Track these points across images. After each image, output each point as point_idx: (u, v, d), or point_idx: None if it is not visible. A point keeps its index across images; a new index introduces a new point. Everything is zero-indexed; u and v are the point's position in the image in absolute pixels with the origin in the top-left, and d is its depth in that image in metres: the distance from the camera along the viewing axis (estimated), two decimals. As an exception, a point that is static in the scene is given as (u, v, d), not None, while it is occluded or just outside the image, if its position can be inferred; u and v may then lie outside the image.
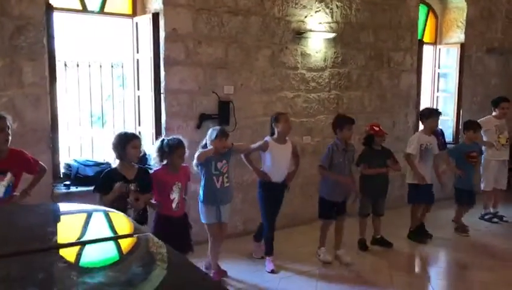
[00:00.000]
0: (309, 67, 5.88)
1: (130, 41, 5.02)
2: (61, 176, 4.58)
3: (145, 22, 4.84)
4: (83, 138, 5.29)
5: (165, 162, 3.83)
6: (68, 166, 4.70)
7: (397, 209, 5.98)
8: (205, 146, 4.18)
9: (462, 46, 7.50)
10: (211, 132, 4.16)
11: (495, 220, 6.21)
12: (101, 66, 5.07)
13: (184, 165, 3.94)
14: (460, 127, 7.65)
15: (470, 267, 4.83)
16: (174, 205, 3.79)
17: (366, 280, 4.39)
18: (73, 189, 4.46)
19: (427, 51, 7.65)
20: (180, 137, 3.89)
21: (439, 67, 7.78)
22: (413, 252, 5.25)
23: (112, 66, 5.17)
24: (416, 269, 4.90)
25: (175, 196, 3.80)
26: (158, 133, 4.89)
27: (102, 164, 4.78)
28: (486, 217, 6.22)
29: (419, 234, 5.45)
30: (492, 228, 6.03)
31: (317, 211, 4.82)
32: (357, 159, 4.99)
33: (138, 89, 5.06)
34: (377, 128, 5.06)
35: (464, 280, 4.55)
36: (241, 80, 5.33)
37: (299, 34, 5.67)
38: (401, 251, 5.20)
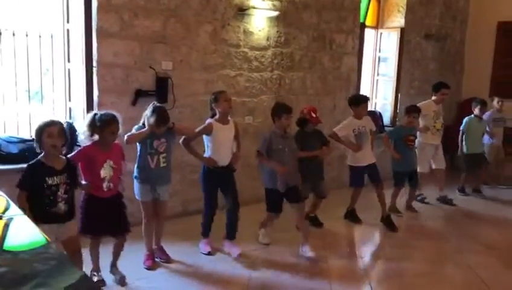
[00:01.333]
0: (252, 45, 5.75)
1: (59, 9, 4.66)
2: (-20, 153, 4.21)
3: (76, -11, 4.51)
4: (20, 115, 4.86)
5: (95, 137, 3.57)
6: (-11, 142, 4.34)
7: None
8: (142, 126, 3.94)
9: (402, 30, 7.65)
10: (149, 109, 3.92)
11: (426, 201, 6.43)
12: (40, 36, 4.68)
13: (116, 142, 3.70)
14: (398, 110, 7.86)
15: (399, 246, 4.96)
16: (104, 185, 3.54)
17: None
18: (-6, 167, 4.12)
19: (369, 34, 7.75)
20: (114, 112, 3.63)
21: (379, 51, 7.91)
22: (346, 232, 5.33)
23: (52, 37, 4.78)
24: (348, 249, 4.96)
25: (106, 174, 3.55)
26: (90, 109, 4.59)
27: (28, 140, 4.44)
28: (418, 198, 6.43)
29: (354, 215, 5.56)
30: (427, 209, 6.24)
31: (259, 193, 4.71)
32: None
33: (69, 62, 4.73)
34: (314, 115, 4.95)
35: (394, 260, 4.67)
36: (181, 56, 5.13)
37: (242, 11, 5.52)
38: (335, 230, 5.27)
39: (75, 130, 4.54)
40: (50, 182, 3.14)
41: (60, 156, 3.26)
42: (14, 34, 4.58)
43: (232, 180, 4.45)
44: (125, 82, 4.74)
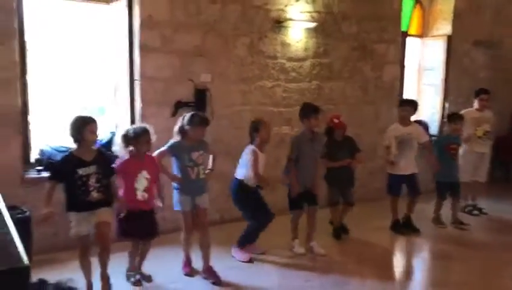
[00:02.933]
0: (289, 56, 5.85)
1: (106, 27, 5.00)
2: (33, 161, 4.56)
3: (120, 8, 4.82)
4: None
5: (130, 148, 3.77)
6: (41, 151, 4.69)
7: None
8: (181, 129, 4.03)
9: (449, 38, 7.46)
10: (190, 117, 4.02)
11: (475, 212, 6.19)
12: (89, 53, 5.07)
13: (149, 154, 3.87)
14: (444, 119, 7.63)
15: (444, 258, 4.82)
16: (139, 195, 3.72)
17: (335, 269, 4.39)
18: (44, 174, 4.45)
19: (414, 43, 7.63)
20: (146, 125, 3.85)
21: (425, 60, 7.74)
22: (386, 243, 5.23)
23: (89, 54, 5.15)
24: (389, 260, 4.88)
25: (140, 185, 3.73)
26: (133, 120, 4.89)
27: (76, 149, 4.77)
28: (466, 209, 6.20)
29: (401, 226, 5.43)
30: (471, 220, 6.00)
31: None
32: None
33: (115, 76, 5.04)
34: (336, 121, 4.98)
35: (437, 270, 4.55)
36: (219, 69, 5.32)
37: (279, 23, 5.65)
38: (375, 241, 5.19)
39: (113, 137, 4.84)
40: (81, 172, 3.39)
41: (92, 147, 3.52)
42: (65, 52, 4.97)
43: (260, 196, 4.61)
44: (165, 94, 4.98)
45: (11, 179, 4.15)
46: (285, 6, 5.70)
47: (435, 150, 5.66)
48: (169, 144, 4.04)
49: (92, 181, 3.44)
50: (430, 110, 7.81)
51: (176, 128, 4.06)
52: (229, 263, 4.38)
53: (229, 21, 5.31)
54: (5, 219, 1.64)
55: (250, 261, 4.46)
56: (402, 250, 5.22)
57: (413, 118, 7.66)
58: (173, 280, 4.02)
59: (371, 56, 6.60)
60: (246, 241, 4.56)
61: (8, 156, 4.22)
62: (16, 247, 1.40)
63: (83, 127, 3.39)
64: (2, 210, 1.73)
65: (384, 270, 4.47)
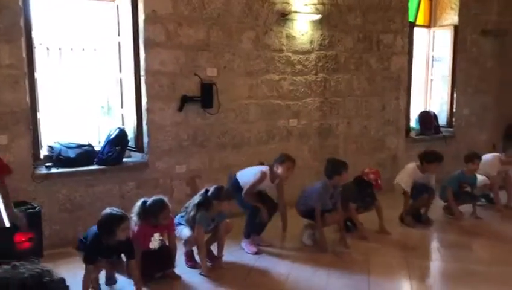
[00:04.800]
0: (295, 49, 5.84)
1: (111, 24, 5.04)
2: (42, 157, 4.62)
3: (125, 4, 4.85)
4: (92, 126, 5.33)
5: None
6: (51, 148, 4.75)
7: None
8: (204, 203, 4.00)
9: (456, 28, 7.40)
10: (216, 191, 4.02)
11: (480, 202, 6.13)
12: (94, 50, 5.12)
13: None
14: (454, 110, 7.59)
15: (453, 247, 4.81)
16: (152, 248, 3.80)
17: (344, 259, 4.40)
18: (54, 170, 4.51)
19: (421, 33, 7.57)
20: (161, 197, 3.82)
21: (433, 50, 7.69)
22: (396, 233, 5.21)
23: (95, 50, 5.20)
24: (394, 250, 4.86)
25: (154, 246, 3.78)
26: (139, 115, 4.93)
27: (85, 145, 4.83)
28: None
29: (412, 218, 5.39)
30: (482, 210, 5.96)
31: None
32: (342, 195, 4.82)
33: (120, 72, 5.08)
34: (379, 182, 4.95)
35: (443, 261, 4.53)
36: (224, 62, 5.33)
37: (284, 16, 5.64)
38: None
39: (127, 135, 4.88)
40: (101, 257, 3.48)
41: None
42: (72, 49, 5.02)
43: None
44: (171, 89, 5.01)
45: (21, 175, 4.20)
46: (290, -2, 5.69)
47: (450, 185, 5.60)
48: (200, 219, 3.98)
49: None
50: (438, 100, 7.77)
51: (198, 200, 4.04)
52: (238, 255, 4.40)
53: (233, 15, 5.32)
54: None
55: (258, 253, 4.48)
56: (410, 240, 5.20)
57: (420, 108, 7.70)
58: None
59: (377, 47, 6.56)
60: (250, 231, 4.58)
61: (18, 152, 4.27)
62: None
63: (116, 226, 3.36)
64: None
65: (392, 261, 4.45)
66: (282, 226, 4.76)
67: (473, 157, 5.61)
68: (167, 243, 3.91)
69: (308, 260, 4.37)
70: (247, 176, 4.54)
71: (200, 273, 4.01)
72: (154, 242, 3.78)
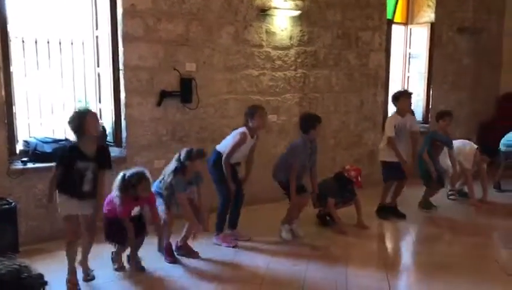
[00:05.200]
0: (274, 45, 5.86)
1: (89, 17, 4.98)
2: (18, 152, 4.54)
3: (103, -3, 4.80)
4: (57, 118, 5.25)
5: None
6: (27, 143, 4.68)
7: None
8: (179, 168, 4.05)
9: (433, 25, 7.52)
10: (187, 153, 4.07)
11: (451, 197, 6.27)
12: (72, 44, 5.02)
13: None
14: (430, 106, 7.73)
15: (428, 241, 4.92)
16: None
17: (322, 253, 4.46)
18: (30, 165, 4.44)
19: (399, 30, 7.68)
20: (141, 169, 3.86)
21: (410, 47, 7.81)
22: (373, 227, 5.29)
23: (83, 44, 5.12)
24: (372, 243, 4.95)
25: (134, 213, 3.87)
26: (117, 110, 4.89)
27: (61, 140, 4.76)
28: (451, 196, 6.29)
29: (386, 212, 5.49)
30: (458, 205, 6.11)
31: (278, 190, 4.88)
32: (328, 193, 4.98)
33: (98, 66, 5.03)
34: (359, 179, 5.01)
35: (418, 254, 4.63)
36: (204, 58, 5.31)
37: (264, 12, 5.65)
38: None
39: (105, 130, 4.83)
40: (80, 165, 3.46)
41: (93, 142, 3.54)
42: (48, 42, 4.94)
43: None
44: (150, 84, 4.98)
45: (-4, 170, 4.13)
46: (269, -6, 5.71)
47: (426, 146, 5.70)
48: (177, 184, 4.03)
49: (88, 175, 3.50)
50: (415, 97, 7.87)
51: (172, 167, 4.07)
52: (214, 252, 4.42)
53: (212, 10, 5.30)
54: None
55: (236, 246, 4.50)
56: (387, 234, 5.30)
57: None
58: (157, 267, 4.05)
59: (356, 44, 6.63)
60: (221, 223, 4.61)
61: (-8, 147, 4.20)
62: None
63: (83, 119, 3.41)
64: None
65: (369, 254, 4.53)
66: (245, 173, 4.75)
67: (444, 115, 5.77)
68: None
69: (287, 254, 4.40)
70: (227, 141, 4.56)
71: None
72: (134, 212, 3.86)
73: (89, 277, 3.74)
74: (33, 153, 4.57)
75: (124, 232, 3.79)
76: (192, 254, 4.26)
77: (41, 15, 4.96)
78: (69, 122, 3.49)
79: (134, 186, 3.75)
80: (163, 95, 5.03)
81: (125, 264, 3.99)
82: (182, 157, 4.07)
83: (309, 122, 4.72)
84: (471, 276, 3.94)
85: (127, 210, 3.79)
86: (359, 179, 5.01)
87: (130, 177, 3.78)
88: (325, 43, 6.32)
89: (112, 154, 4.89)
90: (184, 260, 4.20)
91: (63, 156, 3.51)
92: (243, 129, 4.52)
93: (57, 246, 3.96)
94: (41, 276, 1.47)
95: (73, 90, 5.14)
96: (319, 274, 3.97)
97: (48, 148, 4.61)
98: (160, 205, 4.11)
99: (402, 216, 5.47)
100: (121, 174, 3.84)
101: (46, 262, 3.81)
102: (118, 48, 4.80)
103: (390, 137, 5.29)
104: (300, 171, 4.70)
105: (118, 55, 4.81)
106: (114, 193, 3.77)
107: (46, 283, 1.48)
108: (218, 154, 4.52)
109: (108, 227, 3.82)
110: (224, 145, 4.53)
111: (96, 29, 4.96)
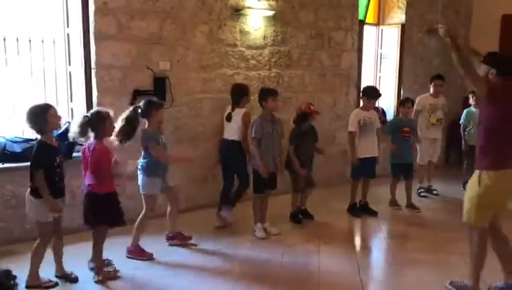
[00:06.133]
0: (248, 44, 5.89)
1: (60, 14, 4.88)
2: (-14, 152, 4.43)
3: (74, -6, 4.72)
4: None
5: (90, 135, 3.69)
6: (-5, 143, 4.57)
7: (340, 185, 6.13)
8: (143, 116, 4.15)
9: (403, 26, 7.69)
10: (148, 104, 4.15)
11: (423, 194, 6.45)
12: (42, 42, 4.92)
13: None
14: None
15: (399, 237, 5.04)
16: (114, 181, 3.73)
17: (296, 251, 4.51)
18: (-1, 165, 4.34)
19: (370, 31, 7.81)
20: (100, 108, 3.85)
21: (381, 48, 7.95)
22: (345, 225, 5.39)
23: (54, 42, 5.02)
24: (344, 240, 5.03)
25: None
26: (89, 109, 4.78)
27: (32, 140, 4.66)
28: (419, 191, 6.45)
29: (358, 209, 5.60)
30: (426, 201, 6.28)
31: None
32: (289, 138, 5.09)
33: (69, 65, 4.94)
34: (312, 107, 5.16)
35: (389, 250, 4.73)
36: (178, 56, 5.30)
37: (238, 11, 5.66)
38: (334, 223, 5.35)
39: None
40: (58, 160, 3.45)
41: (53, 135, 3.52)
42: (17, 40, 4.82)
43: None
44: (123, 83, 4.93)
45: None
46: (243, -6, 5.72)
47: (389, 132, 5.87)
48: (148, 135, 4.12)
49: (60, 169, 3.49)
50: (386, 97, 8.03)
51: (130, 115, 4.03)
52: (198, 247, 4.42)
53: (186, 8, 5.29)
54: None
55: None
56: (358, 231, 5.40)
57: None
58: (134, 266, 4.03)
59: (328, 44, 6.72)
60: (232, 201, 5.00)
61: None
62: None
63: (44, 113, 3.36)
64: None
65: (342, 250, 4.60)
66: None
67: (405, 102, 5.99)
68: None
69: (262, 250, 4.46)
70: (236, 124, 4.93)
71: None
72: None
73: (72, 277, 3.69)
74: (2, 152, 4.47)
75: (116, 206, 3.69)
76: (186, 240, 4.48)
77: (10, 12, 4.82)
78: (31, 120, 3.37)
79: (103, 120, 3.64)
80: (137, 94, 4.98)
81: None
82: (144, 107, 4.08)
83: (262, 94, 4.86)
84: (440, 271, 4.05)
85: (107, 156, 3.63)
86: (312, 107, 5.14)
87: (97, 112, 3.68)
88: (299, 43, 6.38)
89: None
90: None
91: (43, 156, 3.40)
92: (242, 110, 4.94)
93: (27, 248, 3.87)
94: (9, 272, 1.46)
95: (43, 89, 5.04)
96: (291, 270, 4.03)
97: (17, 148, 4.52)
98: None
99: (374, 213, 5.58)
100: (83, 115, 3.72)
101: (16, 264, 3.72)
102: (89, 46, 4.74)
103: (350, 132, 5.40)
104: (267, 151, 4.73)
105: (90, 54, 4.75)
106: (74, 135, 3.60)
107: (15, 277, 1.47)
108: (233, 143, 4.90)
109: (100, 206, 3.62)
110: (235, 128, 4.92)
111: (68, 27, 4.87)
